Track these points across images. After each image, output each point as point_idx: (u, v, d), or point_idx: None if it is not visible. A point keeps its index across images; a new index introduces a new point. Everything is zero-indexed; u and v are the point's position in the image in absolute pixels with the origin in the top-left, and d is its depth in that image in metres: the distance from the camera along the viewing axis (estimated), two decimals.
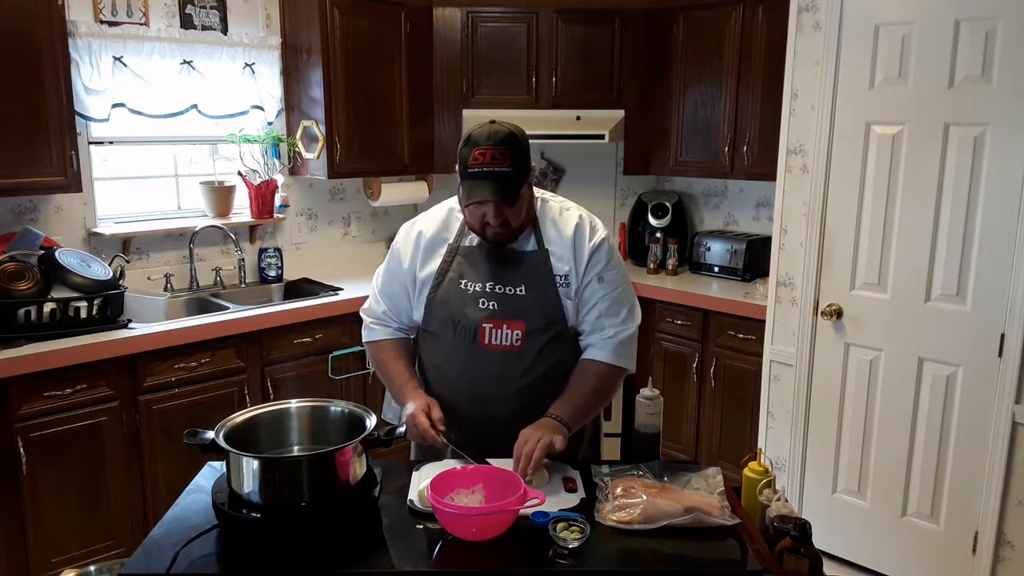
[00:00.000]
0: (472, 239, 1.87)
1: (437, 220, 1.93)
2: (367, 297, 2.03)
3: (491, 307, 1.82)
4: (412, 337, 2.00)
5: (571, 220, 1.87)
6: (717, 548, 1.46)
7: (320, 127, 3.67)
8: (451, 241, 1.89)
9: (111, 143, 3.41)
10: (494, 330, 1.82)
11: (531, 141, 1.81)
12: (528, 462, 1.63)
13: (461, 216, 1.88)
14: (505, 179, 1.71)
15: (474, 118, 3.95)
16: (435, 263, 1.88)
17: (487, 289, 1.83)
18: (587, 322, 1.86)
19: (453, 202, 1.91)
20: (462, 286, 1.85)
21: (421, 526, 1.50)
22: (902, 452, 2.96)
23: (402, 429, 1.60)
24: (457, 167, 1.76)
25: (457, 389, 1.87)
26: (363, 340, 2.03)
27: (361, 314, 2.03)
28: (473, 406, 1.85)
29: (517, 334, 1.81)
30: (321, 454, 1.48)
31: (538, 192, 1.93)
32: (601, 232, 1.88)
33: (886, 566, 3.07)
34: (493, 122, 1.74)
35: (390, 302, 1.97)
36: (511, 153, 1.71)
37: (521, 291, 1.82)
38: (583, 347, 1.88)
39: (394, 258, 1.96)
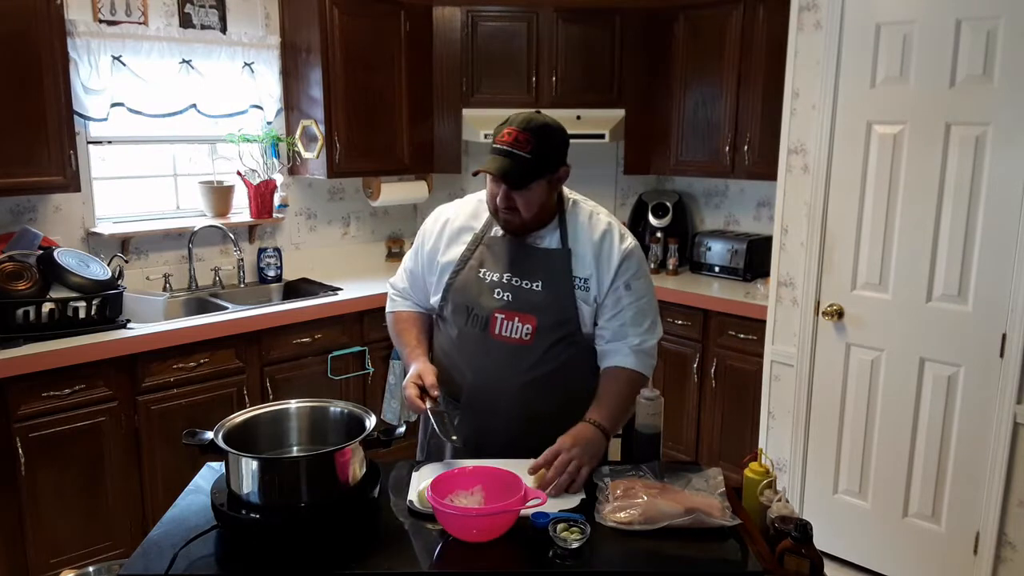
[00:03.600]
0: (497, 230, 1.88)
1: (467, 209, 1.96)
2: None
3: (506, 298, 1.83)
4: (432, 314, 2.03)
5: (599, 225, 1.87)
6: (718, 549, 1.45)
7: (319, 127, 3.66)
8: (477, 231, 1.91)
9: (110, 143, 3.40)
10: (505, 321, 1.82)
11: None
12: (557, 475, 1.61)
13: None
14: (519, 163, 1.71)
15: (474, 118, 3.94)
16: (458, 250, 1.91)
17: (504, 280, 1.84)
18: (609, 329, 1.84)
19: (483, 194, 1.93)
20: (480, 275, 1.86)
21: (421, 527, 1.50)
22: (903, 453, 2.96)
23: (401, 430, 1.59)
24: None
25: (463, 378, 1.88)
26: (386, 310, 2.09)
27: (388, 285, 2.10)
28: (477, 396, 1.86)
29: (528, 328, 1.81)
30: (320, 455, 1.48)
31: (573, 194, 1.93)
32: (630, 240, 1.87)
33: (887, 567, 3.07)
34: (538, 112, 1.77)
35: (411, 279, 2.02)
36: (535, 141, 1.72)
37: (537, 287, 1.83)
38: (603, 353, 1.87)
39: (420, 239, 2.01)
